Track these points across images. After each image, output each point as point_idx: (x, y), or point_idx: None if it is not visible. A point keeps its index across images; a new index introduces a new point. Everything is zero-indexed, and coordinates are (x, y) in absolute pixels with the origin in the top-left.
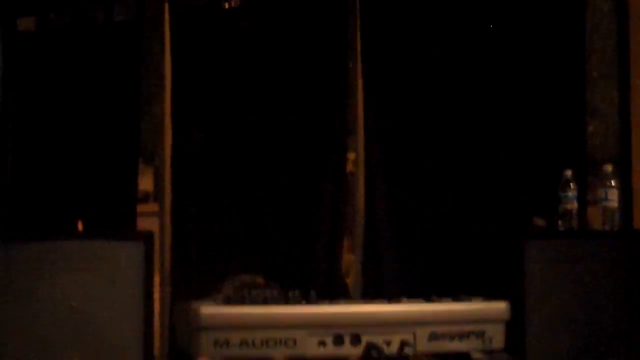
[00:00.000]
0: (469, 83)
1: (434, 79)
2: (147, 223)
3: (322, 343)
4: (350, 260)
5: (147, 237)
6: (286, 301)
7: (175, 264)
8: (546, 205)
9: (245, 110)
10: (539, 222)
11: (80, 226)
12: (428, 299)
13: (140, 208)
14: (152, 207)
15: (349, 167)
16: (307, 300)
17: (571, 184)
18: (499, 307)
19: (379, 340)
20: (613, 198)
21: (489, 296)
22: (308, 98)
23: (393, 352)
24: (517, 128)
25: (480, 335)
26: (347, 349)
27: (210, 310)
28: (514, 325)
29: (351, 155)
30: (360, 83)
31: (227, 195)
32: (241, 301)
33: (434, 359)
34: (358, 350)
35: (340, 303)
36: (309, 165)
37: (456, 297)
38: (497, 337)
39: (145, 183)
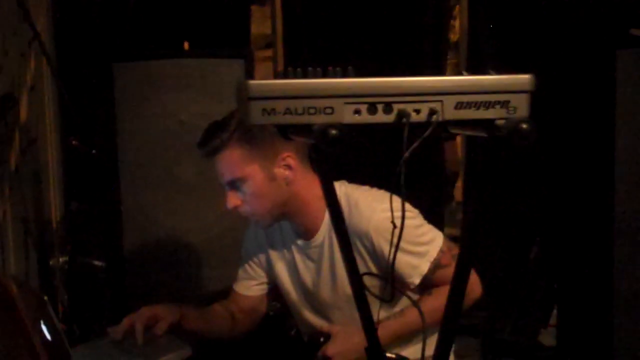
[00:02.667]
0: None
1: None
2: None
3: (357, 112)
4: None
5: (247, 54)
6: (325, 75)
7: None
8: None
9: None
10: (636, 32)
11: (186, 46)
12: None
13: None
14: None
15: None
16: (345, 75)
17: None
18: (523, 78)
19: (409, 108)
20: None
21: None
22: None
23: (422, 119)
24: None
25: (505, 104)
26: (380, 116)
27: (257, 82)
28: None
29: None
30: None
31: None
32: (285, 76)
33: (461, 125)
34: (390, 118)
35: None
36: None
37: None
38: (521, 107)
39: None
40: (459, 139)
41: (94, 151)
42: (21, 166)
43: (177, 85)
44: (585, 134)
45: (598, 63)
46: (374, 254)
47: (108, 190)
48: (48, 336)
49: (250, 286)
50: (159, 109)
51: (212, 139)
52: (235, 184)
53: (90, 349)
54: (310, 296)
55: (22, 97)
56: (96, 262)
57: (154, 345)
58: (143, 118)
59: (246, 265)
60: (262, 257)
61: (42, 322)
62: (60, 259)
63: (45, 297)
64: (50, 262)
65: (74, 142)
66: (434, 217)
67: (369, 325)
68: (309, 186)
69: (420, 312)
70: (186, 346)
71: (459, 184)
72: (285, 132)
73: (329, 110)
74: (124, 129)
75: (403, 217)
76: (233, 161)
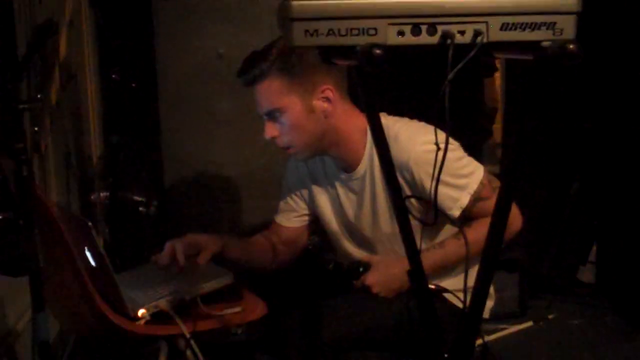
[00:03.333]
0: None
1: None
2: None
3: (401, 33)
4: None
5: None
6: None
7: None
8: None
9: None
10: None
11: None
12: None
13: None
14: None
15: None
16: None
17: None
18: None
19: (453, 30)
20: None
21: None
22: None
23: (466, 41)
24: None
25: (551, 25)
26: (424, 38)
27: (300, 2)
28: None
29: None
30: None
31: None
32: None
33: (506, 47)
34: (434, 39)
35: None
36: None
37: None
38: (567, 29)
39: None
40: (497, 75)
41: (133, 84)
42: (61, 101)
43: (216, 18)
44: (632, 71)
45: None
46: (415, 186)
47: (148, 123)
48: (92, 262)
49: (291, 218)
50: (198, 41)
51: (252, 68)
52: (273, 115)
53: (134, 275)
54: (351, 228)
55: (61, 33)
56: (137, 197)
57: (196, 271)
58: (182, 51)
59: (287, 197)
60: (304, 189)
61: (86, 248)
62: (101, 194)
63: (90, 223)
64: (92, 197)
65: (113, 76)
66: (472, 154)
67: (412, 249)
68: (349, 119)
69: (466, 241)
70: (229, 273)
71: (497, 125)
72: (328, 54)
73: (372, 31)
74: (163, 62)
75: (446, 147)
76: (272, 91)
